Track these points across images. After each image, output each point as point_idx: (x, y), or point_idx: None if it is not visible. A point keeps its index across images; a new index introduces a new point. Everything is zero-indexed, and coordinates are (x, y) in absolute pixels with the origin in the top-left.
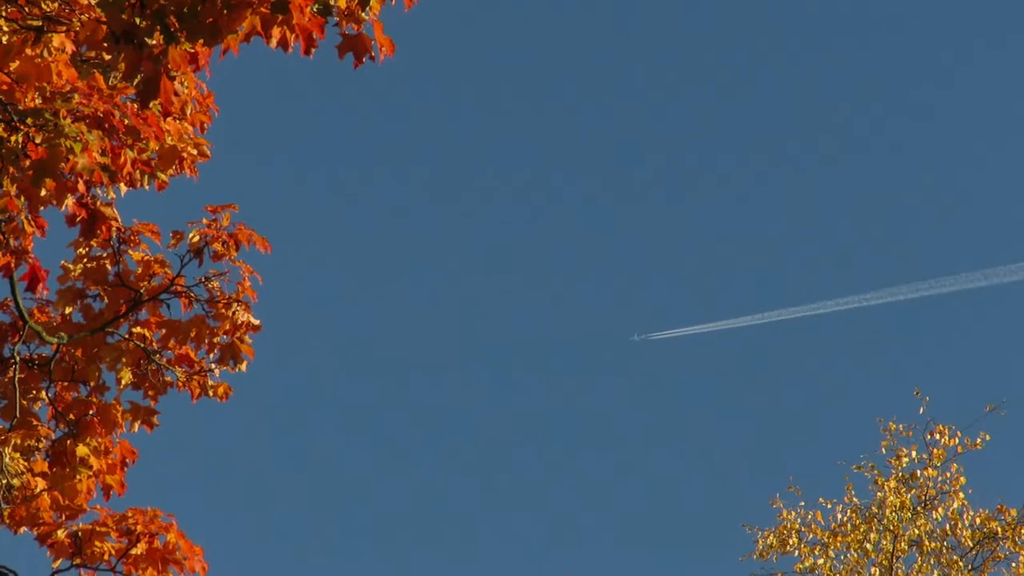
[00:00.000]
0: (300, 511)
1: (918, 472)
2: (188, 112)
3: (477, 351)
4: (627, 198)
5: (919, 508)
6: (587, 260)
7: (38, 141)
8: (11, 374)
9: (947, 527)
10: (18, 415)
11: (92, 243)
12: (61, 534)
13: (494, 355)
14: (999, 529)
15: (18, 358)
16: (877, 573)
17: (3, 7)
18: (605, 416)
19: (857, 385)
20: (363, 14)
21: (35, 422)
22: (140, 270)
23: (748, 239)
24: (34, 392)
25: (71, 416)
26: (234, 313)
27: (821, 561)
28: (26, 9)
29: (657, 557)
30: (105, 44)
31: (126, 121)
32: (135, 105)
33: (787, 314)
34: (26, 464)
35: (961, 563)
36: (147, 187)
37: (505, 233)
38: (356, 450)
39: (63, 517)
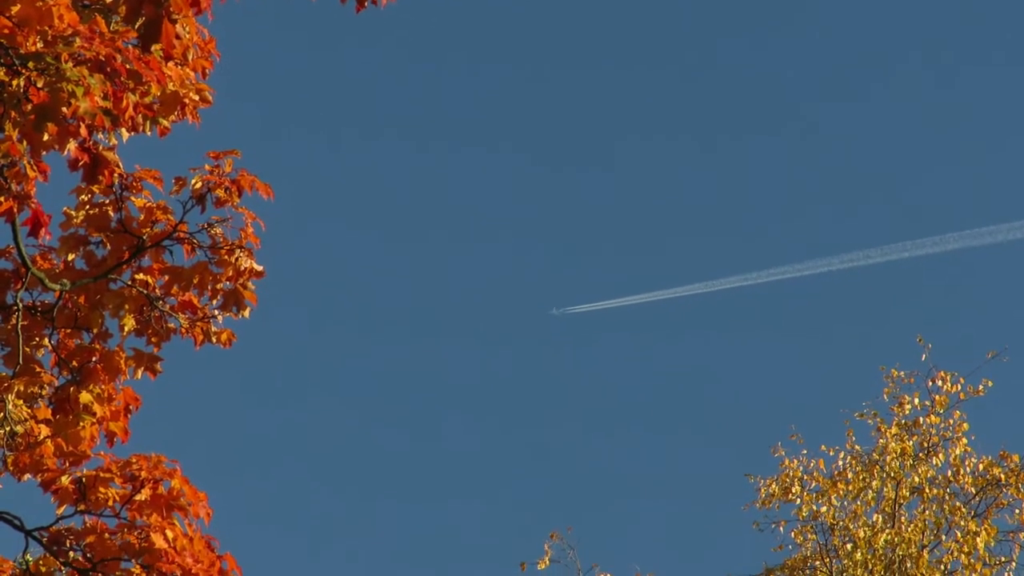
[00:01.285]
0: (302, 454)
1: (920, 419)
2: (190, 58)
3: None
4: (546, 167)
5: (921, 455)
6: (504, 232)
7: (40, 85)
8: (14, 321)
9: (949, 474)
10: (21, 362)
11: (94, 189)
12: (65, 480)
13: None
14: (1002, 476)
15: (21, 305)
16: (880, 520)
17: None
18: (565, 385)
19: (860, 335)
20: None
21: (38, 369)
22: (142, 216)
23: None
24: (37, 339)
25: (74, 363)
26: (237, 259)
27: (824, 508)
28: None
29: (658, 509)
30: None
31: (128, 65)
32: (137, 49)
33: (796, 270)
34: (29, 411)
35: (964, 509)
36: (149, 132)
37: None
38: (356, 394)
39: (67, 464)
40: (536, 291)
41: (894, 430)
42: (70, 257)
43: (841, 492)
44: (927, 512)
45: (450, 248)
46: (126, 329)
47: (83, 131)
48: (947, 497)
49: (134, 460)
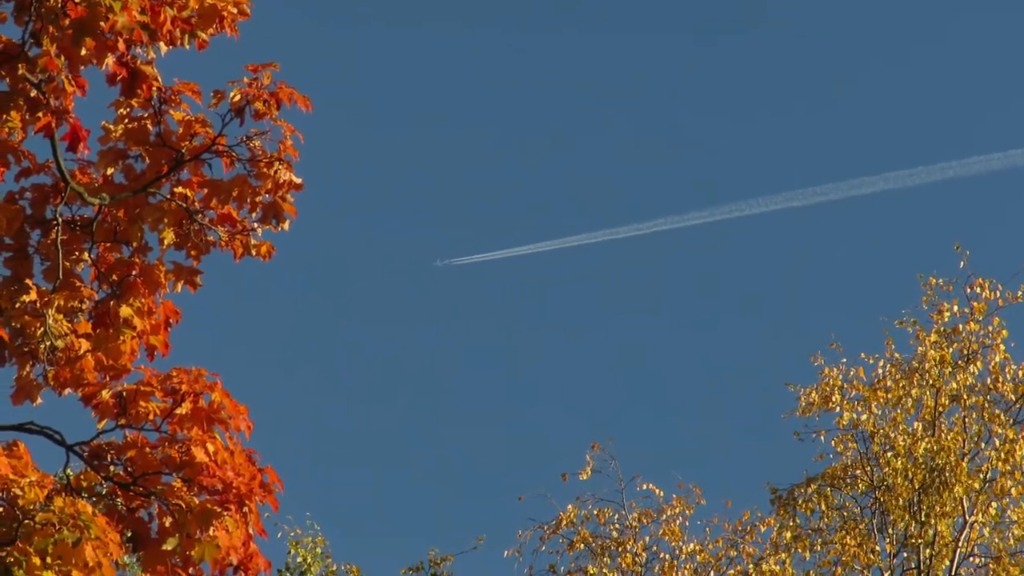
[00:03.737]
0: (338, 363)
1: (959, 326)
2: None
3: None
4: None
5: (960, 362)
6: (386, 183)
7: (77, 0)
8: (53, 236)
9: (988, 381)
10: (60, 277)
11: (133, 103)
12: (106, 395)
13: None
14: None
15: (60, 219)
16: (920, 428)
17: None
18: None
19: (898, 244)
20: None
21: (78, 283)
22: (181, 130)
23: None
24: (76, 254)
25: (114, 277)
26: (276, 172)
27: (864, 417)
28: None
29: (698, 419)
30: None
31: None
32: None
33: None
34: (69, 326)
35: (1003, 417)
36: (187, 46)
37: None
38: (393, 302)
39: (107, 378)
40: (421, 242)
41: (933, 338)
42: (109, 171)
43: (881, 400)
44: (967, 420)
45: (339, 200)
46: (165, 242)
47: (121, 46)
48: (986, 404)
49: (174, 374)
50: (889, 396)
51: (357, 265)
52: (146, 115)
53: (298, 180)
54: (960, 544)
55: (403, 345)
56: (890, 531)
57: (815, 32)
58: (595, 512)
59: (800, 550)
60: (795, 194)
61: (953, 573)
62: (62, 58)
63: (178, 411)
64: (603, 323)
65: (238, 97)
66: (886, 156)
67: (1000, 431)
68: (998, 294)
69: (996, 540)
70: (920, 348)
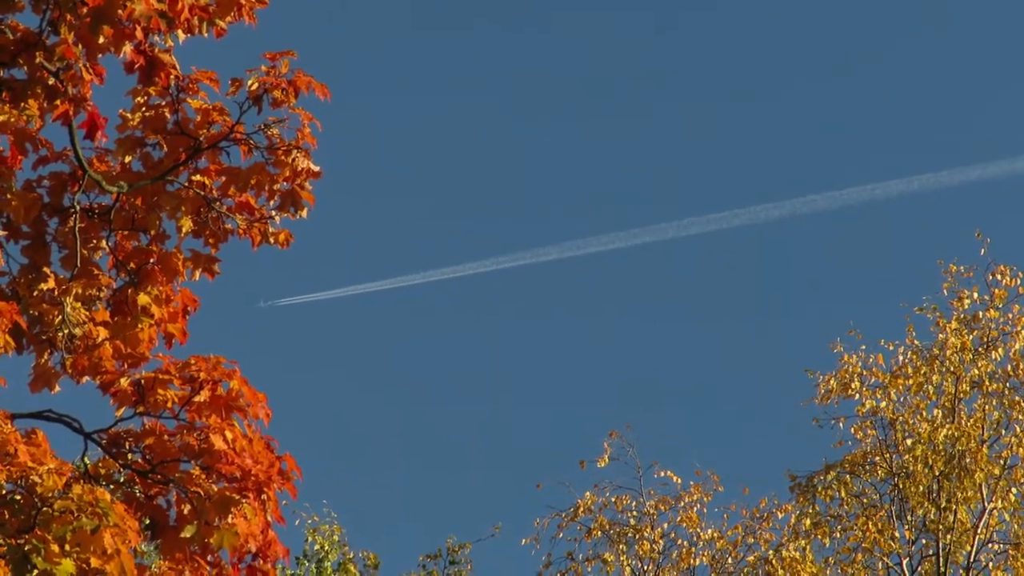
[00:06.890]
0: (359, 352)
1: (980, 313)
2: None
3: None
4: None
5: (980, 349)
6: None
7: None
8: (71, 224)
9: (1009, 368)
10: (79, 265)
11: (150, 91)
12: (124, 383)
13: None
14: None
15: (78, 207)
16: (940, 415)
17: None
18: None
19: (920, 235)
20: None
21: (96, 271)
22: (199, 118)
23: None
24: (94, 241)
25: (132, 265)
26: (294, 160)
27: (883, 404)
28: None
29: (717, 407)
30: None
31: None
32: None
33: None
34: (87, 314)
35: (1023, 404)
36: (205, 34)
37: None
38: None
39: (125, 366)
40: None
41: (954, 324)
42: (127, 159)
43: (901, 387)
44: (987, 406)
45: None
46: (183, 230)
47: (139, 33)
48: (1007, 391)
49: (192, 361)
50: (909, 383)
51: (363, 251)
52: (164, 103)
53: (316, 168)
54: (979, 530)
55: (420, 340)
56: (909, 518)
57: (823, 31)
58: (613, 499)
59: (820, 537)
60: (820, 196)
61: (972, 559)
62: (80, 46)
63: (196, 399)
64: (623, 314)
65: (256, 85)
66: (909, 157)
67: (1020, 418)
68: (1019, 281)
69: (1015, 526)
70: (940, 335)
